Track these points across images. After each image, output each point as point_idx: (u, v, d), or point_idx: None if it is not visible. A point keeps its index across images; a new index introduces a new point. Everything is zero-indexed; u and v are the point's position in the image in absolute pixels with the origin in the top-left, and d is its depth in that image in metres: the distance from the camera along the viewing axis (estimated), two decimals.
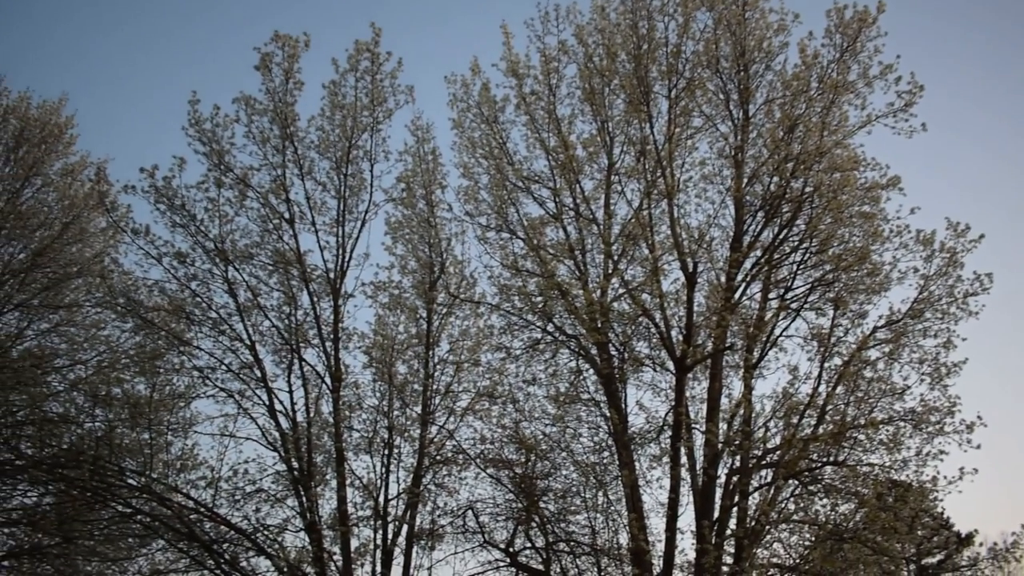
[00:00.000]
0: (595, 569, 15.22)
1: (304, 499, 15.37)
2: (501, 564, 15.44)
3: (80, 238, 19.03)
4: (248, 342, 16.02)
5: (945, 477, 13.52)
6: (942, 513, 17.89)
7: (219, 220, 16.14)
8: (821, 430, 13.81)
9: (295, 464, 15.50)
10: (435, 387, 16.48)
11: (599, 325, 14.76)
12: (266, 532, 15.57)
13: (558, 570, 15.42)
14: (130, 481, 15.85)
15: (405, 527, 15.65)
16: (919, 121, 15.25)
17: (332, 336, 16.20)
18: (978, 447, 13.39)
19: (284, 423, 15.75)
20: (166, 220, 15.98)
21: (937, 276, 14.46)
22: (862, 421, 13.81)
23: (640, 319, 15.03)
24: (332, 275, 16.41)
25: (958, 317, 14.29)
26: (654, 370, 15.51)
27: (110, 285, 16.67)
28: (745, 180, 15.34)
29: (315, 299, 16.29)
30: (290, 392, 15.96)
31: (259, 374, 15.94)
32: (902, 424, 13.81)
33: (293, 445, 15.60)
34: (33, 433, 16.86)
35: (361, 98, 16.78)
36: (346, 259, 16.50)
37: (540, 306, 15.72)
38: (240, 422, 16.15)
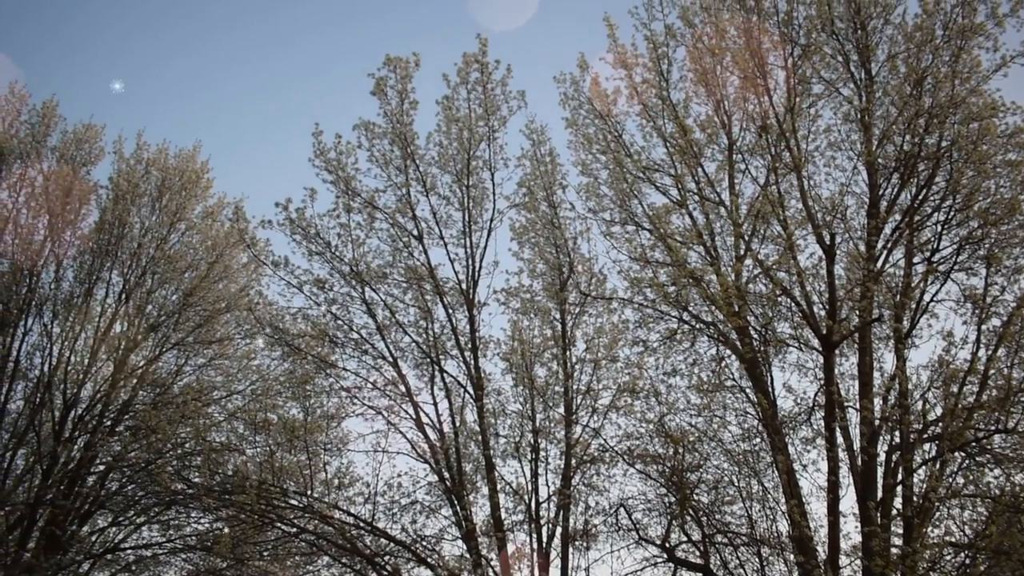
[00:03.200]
0: (756, 559, 15.37)
1: (458, 508, 16.26)
2: (659, 560, 15.68)
3: (225, 275, 20.83)
4: (391, 359, 17.09)
5: None
6: None
7: (352, 244, 17.34)
8: (985, 397, 13.49)
9: (446, 474, 16.39)
10: (575, 387, 17.07)
11: (737, 309, 14.92)
12: (424, 542, 16.53)
13: (718, 563, 15.59)
14: (293, 502, 17.10)
15: (559, 529, 16.28)
16: None
17: (470, 346, 17.04)
18: None
19: (432, 435, 16.68)
20: (303, 250, 17.32)
21: None
22: None
23: (779, 298, 15.13)
24: (464, 286, 17.28)
25: None
26: (799, 350, 15.55)
27: (257, 317, 18.24)
28: (876, 143, 15.15)
29: (450, 311, 17.19)
30: (435, 404, 16.92)
31: (404, 389, 16.95)
32: None
33: (443, 456, 16.50)
34: (200, 463, 18.52)
35: (475, 109, 17.65)
36: (476, 269, 17.37)
37: (673, 296, 16.01)
38: (390, 437, 17.27)
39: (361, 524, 16.63)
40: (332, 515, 16.84)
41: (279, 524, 17.18)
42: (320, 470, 17.72)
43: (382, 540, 16.75)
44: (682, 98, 16.66)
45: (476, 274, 17.28)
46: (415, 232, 17.33)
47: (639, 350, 16.83)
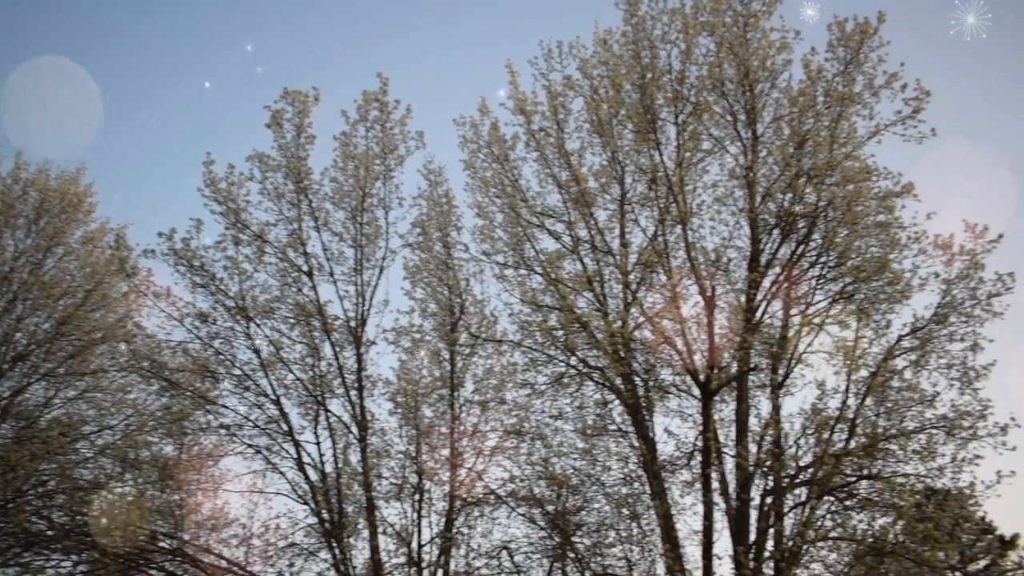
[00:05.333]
0: None
1: (337, 551, 16.15)
2: None
3: (103, 304, 20.24)
4: (273, 396, 16.92)
5: (983, 482, 14.02)
6: (983, 518, 18.23)
7: (239, 277, 17.18)
8: (853, 444, 14.37)
9: (326, 516, 16.30)
10: (462, 428, 17.29)
11: (622, 355, 15.55)
12: None
13: None
14: (162, 544, 16.70)
15: (440, 572, 16.34)
16: (928, 127, 16.05)
17: (356, 385, 17.10)
18: (1013, 449, 13.92)
19: (313, 475, 16.57)
20: (186, 281, 17.06)
21: (959, 279, 15.07)
22: (894, 431, 14.40)
23: (662, 346, 15.81)
24: (353, 324, 17.36)
25: (983, 319, 14.89)
26: (679, 396, 16.24)
27: (134, 349, 17.81)
28: (758, 199, 16.18)
29: (337, 349, 17.20)
30: (317, 444, 16.80)
31: (286, 428, 16.81)
32: (934, 431, 14.32)
33: (323, 497, 16.41)
34: (64, 502, 17.86)
35: (372, 147, 17.91)
36: (366, 307, 17.45)
37: (562, 340, 16.55)
38: (269, 477, 17.04)
39: (235, 568, 16.31)
40: (204, 558, 16.47)
41: (146, 568, 16.67)
42: (193, 511, 17.34)
43: None
44: (577, 147, 17.38)
45: (366, 312, 17.40)
46: (305, 268, 17.36)
47: (527, 393, 17.22)
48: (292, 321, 17.41)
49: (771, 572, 14.02)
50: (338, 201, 17.71)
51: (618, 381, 15.84)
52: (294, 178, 17.43)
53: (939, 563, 13.61)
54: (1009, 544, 17.46)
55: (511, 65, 17.80)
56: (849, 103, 16.38)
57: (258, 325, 17.19)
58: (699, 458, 15.11)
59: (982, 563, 17.42)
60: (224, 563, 16.52)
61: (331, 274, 17.47)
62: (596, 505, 16.39)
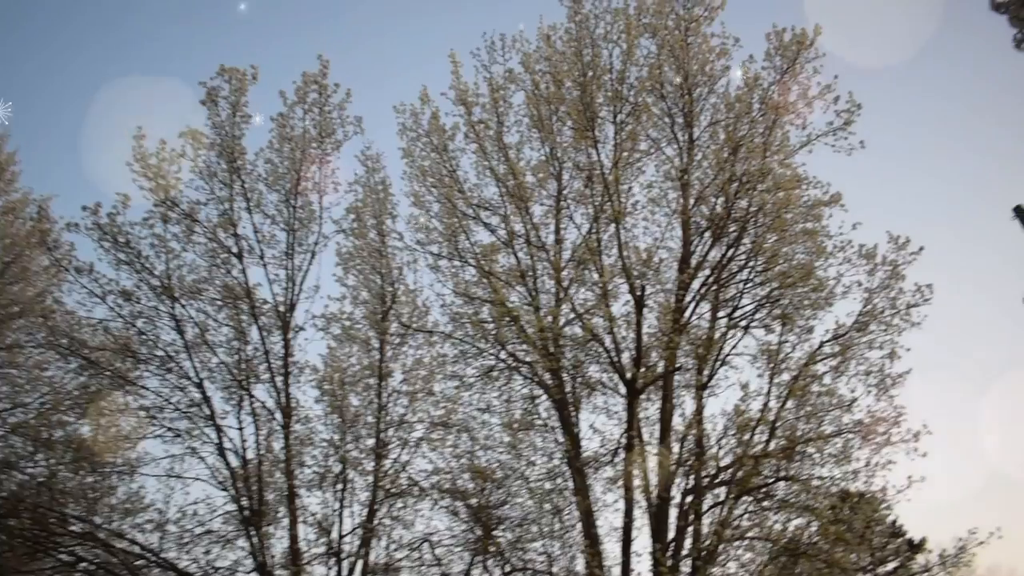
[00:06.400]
0: None
1: (255, 539, 15.85)
2: None
3: (22, 277, 19.57)
4: (196, 379, 16.48)
5: (894, 486, 14.44)
6: (894, 522, 18.83)
7: (165, 256, 16.69)
8: (772, 446, 14.64)
9: (245, 503, 15.98)
10: (388, 419, 17.13)
11: (551, 351, 15.58)
12: (216, 575, 16.01)
13: None
14: (73, 528, 16.15)
15: (360, 563, 16.17)
16: (858, 139, 16.43)
17: (282, 370, 16.80)
18: (924, 455, 14.36)
19: (234, 461, 16.22)
20: (110, 258, 16.46)
21: (880, 289, 15.46)
22: (812, 435, 14.71)
23: (591, 343, 15.88)
24: (282, 308, 17.06)
25: (901, 328, 15.32)
26: (605, 394, 16.33)
27: (52, 325, 17.21)
28: (692, 201, 16.36)
29: (265, 333, 16.83)
30: (240, 429, 16.42)
31: (208, 412, 16.41)
32: (850, 436, 14.69)
33: (243, 483, 16.08)
34: None
35: (310, 130, 17.61)
36: (296, 292, 17.12)
37: (493, 333, 16.51)
38: (188, 462, 16.60)
39: (148, 554, 15.89)
40: (116, 543, 16.02)
41: (55, 552, 16.13)
42: (107, 494, 16.85)
43: (170, 572, 16.03)
44: (516, 141, 17.34)
45: (296, 297, 17.07)
46: (235, 249, 16.97)
47: (455, 385, 17.15)
48: (219, 303, 17.00)
49: (688, 570, 14.19)
50: (272, 183, 17.36)
51: (546, 376, 15.87)
52: (227, 157, 17.01)
53: (850, 565, 13.94)
54: (917, 547, 17.99)
55: (454, 55, 17.68)
56: (783, 112, 16.66)
57: (183, 306, 16.73)
58: (623, 455, 15.23)
59: (891, 565, 17.92)
60: (137, 549, 16.08)
61: (261, 257, 17.11)
62: (519, 500, 16.42)
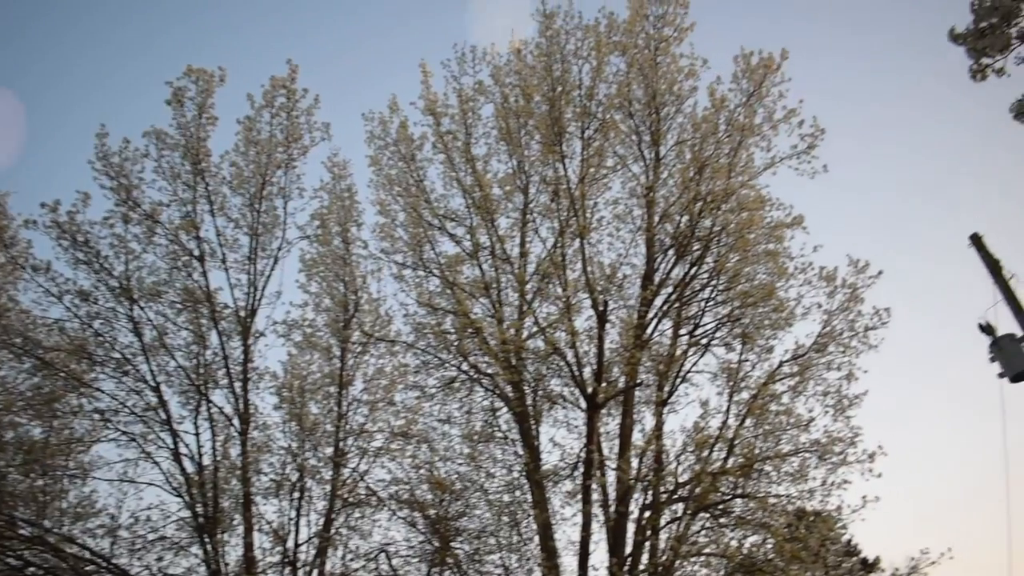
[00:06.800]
0: None
1: (209, 546, 15.64)
2: None
3: None
4: (153, 383, 16.28)
5: (849, 506, 14.65)
6: (849, 541, 19.11)
7: (125, 257, 16.52)
8: (730, 463, 14.81)
9: (200, 510, 15.77)
10: (348, 427, 17.03)
11: (513, 363, 15.62)
12: None
13: None
14: (22, 531, 15.81)
15: (315, 572, 16.03)
16: (821, 163, 16.73)
17: (242, 376, 16.65)
18: (879, 476, 14.61)
19: (189, 467, 16.01)
20: (68, 257, 16.25)
21: (839, 311, 15.73)
22: (770, 453, 14.91)
23: (552, 357, 15.94)
24: (243, 313, 16.90)
25: (859, 350, 15.60)
26: (565, 408, 16.40)
27: (6, 324, 16.87)
28: (656, 219, 16.53)
29: (224, 338, 16.70)
30: (196, 435, 16.25)
31: (164, 416, 16.18)
32: (807, 455, 14.89)
33: (198, 490, 15.88)
34: None
35: (276, 134, 17.53)
36: (258, 297, 17.01)
37: (455, 344, 16.51)
38: (142, 467, 16.37)
39: (99, 560, 15.60)
40: (67, 548, 15.69)
41: (2, 556, 15.75)
42: (58, 498, 16.53)
43: None
44: (484, 153, 17.41)
45: (257, 302, 16.95)
46: (197, 252, 16.81)
47: (416, 395, 17.11)
48: (179, 306, 16.85)
49: None
50: (236, 186, 17.24)
51: (508, 389, 15.90)
52: (192, 159, 16.88)
53: None
54: (871, 567, 18.27)
55: (425, 65, 17.73)
56: (749, 134, 16.91)
57: (142, 308, 16.56)
58: (582, 469, 15.29)
59: None
60: (88, 554, 15.77)
61: (223, 261, 17.00)
62: (478, 512, 16.41)
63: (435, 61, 17.72)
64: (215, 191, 17.04)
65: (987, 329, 14.55)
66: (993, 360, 14.42)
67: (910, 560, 14.57)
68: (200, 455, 16.16)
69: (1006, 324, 14.29)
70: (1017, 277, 14.65)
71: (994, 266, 14.83)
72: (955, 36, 6.87)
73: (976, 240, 15.19)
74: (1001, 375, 14.25)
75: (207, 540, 15.65)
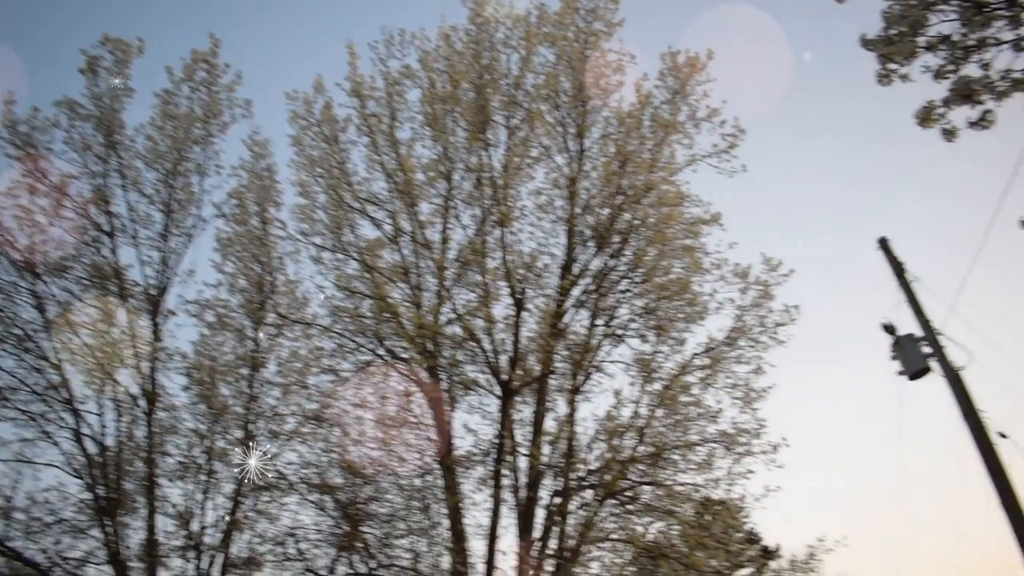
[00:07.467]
0: None
1: (110, 529, 15.29)
2: None
3: None
4: (55, 361, 15.89)
5: (753, 495, 15.12)
6: (751, 529, 19.65)
7: (30, 229, 16.07)
8: (640, 451, 15.12)
9: (101, 492, 15.40)
10: (259, 410, 16.82)
11: (429, 348, 15.65)
12: (65, 566, 15.35)
13: None
14: None
15: (220, 556, 15.79)
16: (740, 162, 17.11)
17: (150, 356, 16.33)
18: (781, 467, 15.09)
19: (92, 448, 15.65)
20: None
21: (751, 307, 16.19)
22: (678, 443, 15.25)
23: (469, 343, 16.01)
24: (153, 292, 16.58)
25: (768, 345, 16.06)
26: (480, 394, 16.47)
27: None
28: (578, 210, 16.73)
29: (133, 317, 16.40)
30: (100, 415, 15.91)
31: (66, 395, 15.78)
32: (715, 445, 15.30)
33: (100, 471, 15.52)
34: None
35: (195, 109, 17.25)
36: (169, 275, 16.75)
37: (372, 329, 16.46)
38: (41, 447, 15.91)
39: None
40: None
41: None
42: None
43: (15, 562, 15.29)
44: (408, 137, 17.38)
45: (168, 281, 16.67)
46: (107, 227, 16.45)
47: (331, 379, 16.97)
48: (86, 282, 16.41)
49: (552, 569, 14.44)
50: (151, 161, 16.93)
51: (423, 374, 15.91)
52: (105, 131, 16.48)
53: (708, 568, 14.46)
54: (772, 554, 18.79)
55: (352, 46, 17.62)
56: (672, 131, 17.21)
57: (46, 283, 16.10)
58: (494, 455, 15.40)
59: (748, 570, 18.70)
60: None
61: (134, 237, 16.65)
62: (389, 496, 16.37)
63: (364, 44, 17.66)
64: (128, 165, 16.71)
65: (889, 329, 15.19)
66: (894, 359, 15.06)
67: (808, 548, 15.11)
68: (103, 436, 15.79)
69: (908, 325, 14.96)
70: (920, 281, 15.33)
71: (898, 269, 15.48)
72: (866, 42, 7.13)
73: (883, 244, 15.84)
74: (901, 373, 14.90)
75: (108, 523, 15.29)
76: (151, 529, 15.46)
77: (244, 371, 16.96)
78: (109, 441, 15.81)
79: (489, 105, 17.00)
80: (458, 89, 17.23)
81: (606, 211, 16.66)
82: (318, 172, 17.46)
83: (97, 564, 15.55)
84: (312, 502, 16.11)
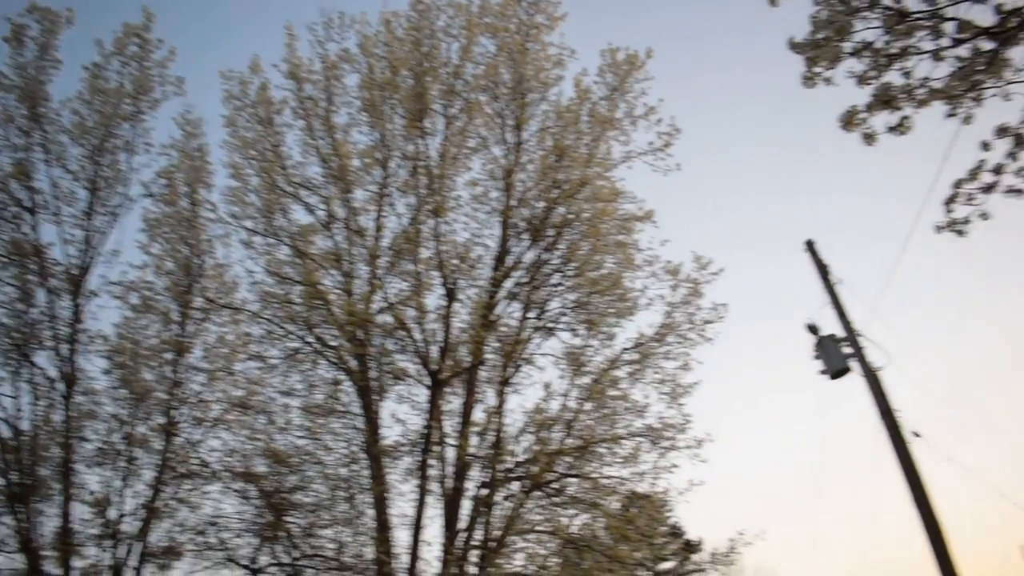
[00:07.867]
0: None
1: (22, 516, 14.88)
2: None
3: None
4: None
5: (676, 489, 15.36)
6: (675, 524, 20.03)
7: None
8: (568, 444, 15.26)
9: (14, 477, 14.99)
10: (183, 396, 16.52)
11: (359, 337, 15.55)
12: None
13: None
14: None
15: (139, 545, 15.49)
16: (675, 161, 17.38)
17: (69, 338, 15.91)
18: (705, 461, 15.36)
19: (5, 431, 15.22)
20: None
21: (681, 304, 16.44)
22: (606, 436, 15.43)
23: (399, 333, 15.95)
24: (75, 271, 16.14)
25: (696, 342, 16.32)
26: (409, 384, 16.42)
27: None
28: (514, 203, 16.78)
29: (53, 297, 15.94)
30: (15, 397, 15.45)
31: None
32: (641, 439, 15.49)
33: (14, 455, 15.10)
34: None
35: (125, 84, 16.84)
36: (93, 255, 16.32)
37: (302, 316, 16.28)
38: None
39: None
40: None
41: None
42: None
43: None
44: (345, 122, 17.21)
45: (91, 261, 16.24)
46: (27, 203, 15.95)
47: (258, 366, 16.74)
48: (4, 259, 15.91)
49: (476, 560, 14.50)
50: (77, 136, 16.45)
51: (352, 362, 15.81)
52: (28, 103, 15.98)
53: (631, 561, 14.68)
54: (693, 548, 19.14)
55: (291, 27, 17.39)
56: (609, 127, 17.38)
57: None
58: (422, 445, 15.38)
59: (670, 563, 19.06)
60: None
61: (56, 214, 16.18)
62: (314, 485, 16.22)
63: (303, 26, 17.43)
64: (53, 139, 16.22)
65: (813, 329, 15.61)
66: (817, 358, 15.49)
67: (728, 541, 15.43)
68: (18, 419, 15.35)
69: (831, 326, 15.40)
70: (843, 283, 15.78)
71: (823, 271, 15.91)
72: (793, 45, 7.30)
73: (809, 246, 16.26)
74: (823, 372, 15.33)
75: (20, 509, 14.87)
76: (66, 516, 15.07)
77: (168, 356, 16.63)
78: (24, 425, 15.37)
79: (428, 93, 16.94)
80: (397, 76, 17.13)
81: (541, 204, 16.74)
82: (251, 154, 17.19)
83: (8, 552, 15.09)
84: (235, 491, 15.90)
